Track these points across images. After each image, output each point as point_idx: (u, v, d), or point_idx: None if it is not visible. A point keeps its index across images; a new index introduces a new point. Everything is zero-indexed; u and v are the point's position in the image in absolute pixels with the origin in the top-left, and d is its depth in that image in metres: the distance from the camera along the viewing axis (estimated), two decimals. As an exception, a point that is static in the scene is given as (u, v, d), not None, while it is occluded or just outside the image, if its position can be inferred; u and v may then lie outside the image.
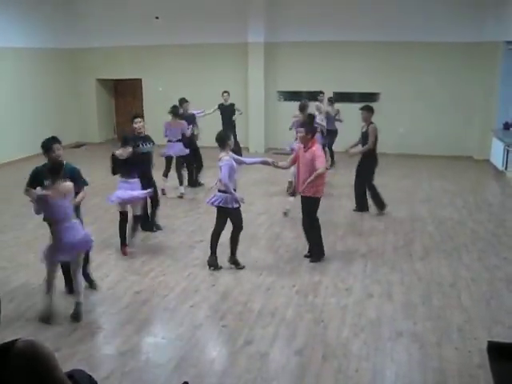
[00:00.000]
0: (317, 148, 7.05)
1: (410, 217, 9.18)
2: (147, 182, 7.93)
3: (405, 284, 6.54)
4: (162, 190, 10.19)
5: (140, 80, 16.63)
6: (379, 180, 9.47)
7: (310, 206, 7.18)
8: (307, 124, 7.56)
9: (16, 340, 2.50)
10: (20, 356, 2.44)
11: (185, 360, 5.00)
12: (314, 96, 14.14)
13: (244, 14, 14.76)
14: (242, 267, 7.05)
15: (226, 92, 13.09)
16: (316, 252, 7.31)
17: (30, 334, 5.13)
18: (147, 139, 8.27)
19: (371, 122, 9.10)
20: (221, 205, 6.75)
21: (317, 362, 4.88)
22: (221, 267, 7.02)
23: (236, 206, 6.80)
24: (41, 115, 15.11)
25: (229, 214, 6.86)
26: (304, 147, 7.13)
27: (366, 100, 14.28)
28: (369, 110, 9.18)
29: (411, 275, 6.80)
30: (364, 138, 9.19)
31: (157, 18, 15.43)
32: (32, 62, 15.05)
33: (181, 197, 10.55)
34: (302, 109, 10.70)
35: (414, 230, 8.48)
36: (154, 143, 8.39)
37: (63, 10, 16.14)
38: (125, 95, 17.73)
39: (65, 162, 5.95)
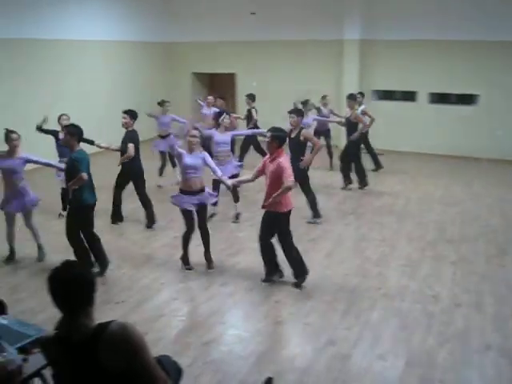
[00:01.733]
0: (284, 159, 6.19)
1: (505, 225, 8.77)
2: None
3: (496, 295, 6.27)
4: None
5: (234, 75, 16.82)
6: (473, 188, 9.06)
7: (277, 222, 6.33)
8: (275, 129, 6.46)
9: (110, 322, 2.61)
10: (114, 337, 2.55)
11: (266, 355, 5.03)
12: (409, 96, 13.94)
13: (340, 10, 14.56)
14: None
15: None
16: (299, 273, 6.51)
17: (118, 317, 5.30)
18: None
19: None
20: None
21: (399, 369, 4.77)
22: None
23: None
24: (135, 108, 15.57)
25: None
26: (270, 156, 6.37)
27: (464, 102, 13.87)
28: (351, 99, 10.72)
29: (503, 286, 6.51)
30: (349, 123, 10.69)
31: (253, 13, 15.54)
32: (131, 55, 15.71)
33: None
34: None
35: (508, 241, 8.08)
36: None
37: (162, 6, 16.65)
38: (219, 89, 17.98)
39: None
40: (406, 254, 7.50)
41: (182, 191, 6.81)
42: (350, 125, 10.65)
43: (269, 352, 5.07)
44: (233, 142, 9.39)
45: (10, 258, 7.33)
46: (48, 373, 3.13)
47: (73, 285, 2.54)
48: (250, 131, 10.92)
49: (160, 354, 3.23)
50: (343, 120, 11.27)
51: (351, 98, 10.78)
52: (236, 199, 8.84)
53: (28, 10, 12.10)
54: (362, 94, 12.76)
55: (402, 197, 10.28)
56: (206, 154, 6.93)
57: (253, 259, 7.12)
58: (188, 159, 6.71)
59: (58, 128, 8.68)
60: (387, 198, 10.17)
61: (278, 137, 6.26)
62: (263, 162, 6.42)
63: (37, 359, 3.29)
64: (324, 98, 12.74)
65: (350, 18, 14.42)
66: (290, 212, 6.29)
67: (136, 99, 14.21)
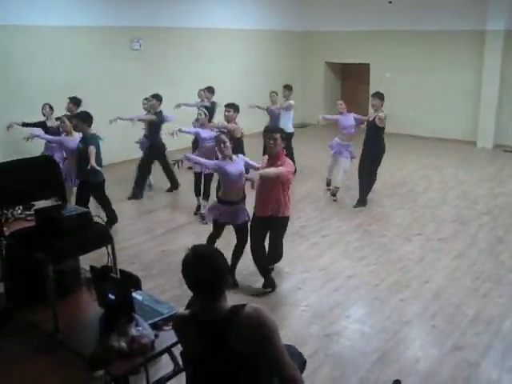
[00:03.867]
0: (287, 165, 5.72)
1: None
2: None
3: None
4: None
5: (368, 65, 16.47)
6: None
7: (285, 226, 6.14)
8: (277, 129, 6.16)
9: (244, 304, 2.66)
10: (249, 319, 2.59)
11: (389, 354, 4.91)
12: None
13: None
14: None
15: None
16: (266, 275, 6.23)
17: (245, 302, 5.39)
18: None
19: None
20: None
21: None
22: None
23: None
24: (268, 94, 15.78)
25: None
26: (270, 159, 5.83)
27: None
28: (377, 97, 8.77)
29: None
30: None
31: (390, 2, 15.08)
32: (267, 43, 15.93)
33: None
34: None
35: None
36: None
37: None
38: (352, 79, 17.76)
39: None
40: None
41: (222, 201, 6.05)
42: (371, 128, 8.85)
43: (392, 351, 4.95)
44: None
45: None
46: (177, 351, 3.24)
47: (215, 267, 2.62)
48: None
49: (285, 343, 3.23)
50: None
51: (379, 96, 8.78)
52: None
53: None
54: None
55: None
56: (242, 156, 6.33)
57: (382, 253, 7.00)
58: (232, 168, 5.95)
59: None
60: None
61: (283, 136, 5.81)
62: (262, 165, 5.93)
63: (167, 336, 3.41)
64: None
65: (496, 7, 13.49)
66: None
67: (269, 86, 14.38)
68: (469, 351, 4.96)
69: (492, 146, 14.04)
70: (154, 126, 9.53)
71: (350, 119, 9.55)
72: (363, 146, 8.90)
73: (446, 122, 14.94)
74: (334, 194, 9.47)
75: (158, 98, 9.51)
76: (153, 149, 9.62)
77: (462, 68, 14.52)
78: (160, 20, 12.59)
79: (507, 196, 9.71)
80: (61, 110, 9.25)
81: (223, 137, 6.07)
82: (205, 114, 8.51)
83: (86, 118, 7.32)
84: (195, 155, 7.52)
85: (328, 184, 10.05)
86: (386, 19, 15.31)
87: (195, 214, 8.72)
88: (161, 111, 9.54)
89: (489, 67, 13.88)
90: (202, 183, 8.61)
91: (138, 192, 9.62)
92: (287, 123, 10.71)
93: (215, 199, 6.30)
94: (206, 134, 8.34)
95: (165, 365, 4.08)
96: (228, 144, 5.96)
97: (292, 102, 10.95)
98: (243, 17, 14.86)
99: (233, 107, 8.45)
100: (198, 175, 8.63)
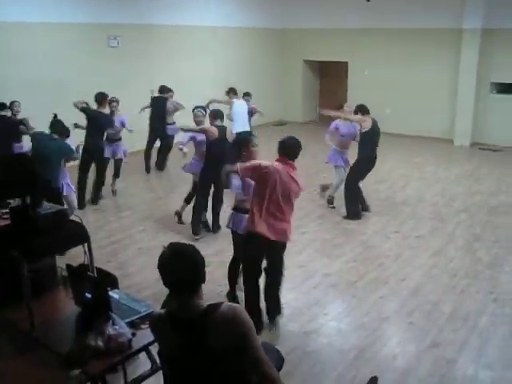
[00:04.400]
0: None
1: None
2: None
3: None
4: None
5: (346, 63, 16.54)
6: None
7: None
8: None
9: (221, 303, 2.65)
10: (225, 317, 2.59)
11: (366, 351, 4.94)
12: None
13: (460, -2, 13.88)
14: None
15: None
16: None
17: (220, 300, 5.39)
18: None
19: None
20: None
21: (509, 381, 4.54)
22: None
23: None
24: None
25: None
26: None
27: None
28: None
29: None
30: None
31: (368, 0, 15.10)
32: (245, 41, 15.86)
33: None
34: None
35: None
36: None
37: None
38: (330, 77, 17.81)
39: None
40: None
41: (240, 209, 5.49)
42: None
43: (370, 348, 4.98)
44: None
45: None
46: (155, 349, 3.23)
47: (191, 265, 2.62)
48: None
49: (263, 341, 3.23)
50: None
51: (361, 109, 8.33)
52: None
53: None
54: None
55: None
56: None
57: (361, 251, 7.04)
58: None
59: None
60: (504, 197, 9.65)
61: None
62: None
63: (145, 335, 3.40)
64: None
65: (472, 6, 13.58)
66: None
67: (247, 84, 14.35)
68: (446, 348, 5.00)
69: (469, 144, 14.18)
70: None
71: (353, 126, 8.74)
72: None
73: (423, 120, 15.06)
74: (330, 202, 9.04)
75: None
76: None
77: (440, 66, 14.65)
78: (138, 17, 12.50)
79: (484, 194, 9.81)
80: (36, 106, 9.16)
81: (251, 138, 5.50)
82: (202, 114, 7.83)
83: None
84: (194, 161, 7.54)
85: (330, 202, 9.09)
86: (365, 17, 15.37)
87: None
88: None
89: (465, 66, 14.02)
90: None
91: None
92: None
93: (232, 211, 5.57)
94: (201, 137, 7.54)
95: (143, 363, 4.05)
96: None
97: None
98: (222, 14, 14.80)
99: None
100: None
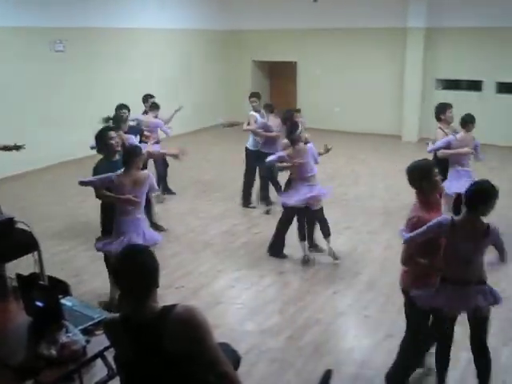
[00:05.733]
0: None
1: None
2: None
3: None
4: None
5: (295, 63, 16.68)
6: None
7: None
8: None
9: (175, 304, 2.64)
10: (180, 318, 2.58)
11: (323, 345, 5.00)
12: (474, 86, 13.56)
13: (404, -3, 14.20)
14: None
15: None
16: None
17: (177, 302, 5.35)
18: None
19: None
20: None
21: (460, 367, 4.64)
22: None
23: None
24: (196, 95, 15.72)
25: None
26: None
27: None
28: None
29: None
30: None
31: (315, 0, 15.27)
32: (188, 44, 15.69)
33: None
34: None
35: None
36: None
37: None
38: (280, 77, 17.92)
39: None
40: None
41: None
42: None
43: (326, 343, 5.04)
44: None
45: None
46: (110, 355, 3.19)
47: (143, 268, 2.59)
48: None
49: (219, 341, 3.23)
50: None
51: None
52: None
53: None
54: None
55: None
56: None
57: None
58: None
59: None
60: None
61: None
62: None
63: (99, 341, 3.35)
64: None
65: (416, 6, 13.94)
66: None
67: (196, 87, 14.36)
68: (400, 338, 5.08)
69: (417, 140, 14.48)
70: None
71: None
72: None
73: (372, 118, 15.31)
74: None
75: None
76: None
77: (386, 64, 14.94)
78: (83, 21, 12.21)
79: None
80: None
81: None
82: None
83: None
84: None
85: None
86: (312, 17, 15.50)
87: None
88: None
89: (411, 64, 14.36)
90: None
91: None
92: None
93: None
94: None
95: (100, 370, 4.00)
96: None
97: None
98: (168, 16, 14.63)
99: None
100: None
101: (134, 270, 2.57)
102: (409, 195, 9.20)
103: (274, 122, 8.59)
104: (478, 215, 3.80)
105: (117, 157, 5.66)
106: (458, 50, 13.94)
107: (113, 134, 5.69)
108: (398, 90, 14.75)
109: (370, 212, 8.69)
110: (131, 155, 5.28)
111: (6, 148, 6.79)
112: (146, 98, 9.51)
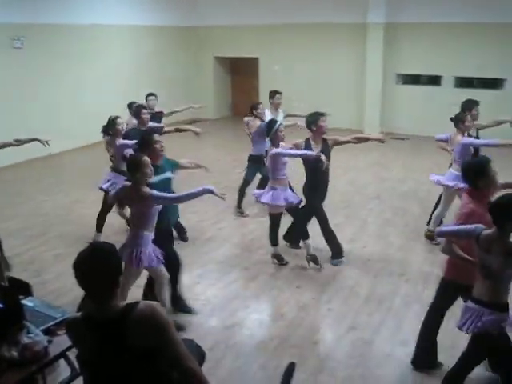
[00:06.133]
0: None
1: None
2: None
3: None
4: None
5: (257, 59, 16.71)
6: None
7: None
8: None
9: (138, 302, 2.65)
10: (143, 315, 2.58)
11: (288, 339, 5.05)
12: (434, 80, 13.78)
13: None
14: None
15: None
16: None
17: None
18: None
19: None
20: None
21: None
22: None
23: None
24: (158, 91, 15.56)
25: None
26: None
27: (490, 86, 13.63)
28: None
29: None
30: None
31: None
32: (150, 40, 15.56)
33: None
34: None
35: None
36: None
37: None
38: (241, 73, 17.93)
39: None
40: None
41: None
42: None
43: (290, 337, 5.08)
44: None
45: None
46: (73, 354, 3.17)
47: (102, 268, 2.57)
48: None
49: (183, 337, 3.24)
50: None
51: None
52: None
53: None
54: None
55: (427, 182, 10.17)
56: None
57: (282, 243, 7.16)
58: None
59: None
60: (412, 183, 10.07)
61: None
62: None
63: (62, 341, 3.33)
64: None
65: (375, 1, 14.15)
66: None
67: (158, 83, 14.19)
68: (363, 330, 5.19)
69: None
70: None
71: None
72: None
73: (334, 112, 15.27)
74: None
75: None
76: None
77: (347, 60, 15.10)
78: (43, 16, 12.00)
79: (393, 180, 10.22)
80: None
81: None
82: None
83: None
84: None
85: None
86: (273, 13, 15.54)
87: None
88: None
89: (372, 59, 14.56)
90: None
91: None
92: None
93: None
94: None
95: (64, 370, 3.97)
96: None
97: None
98: (127, 13, 14.43)
99: None
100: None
101: (97, 268, 2.56)
102: (374, 189, 9.40)
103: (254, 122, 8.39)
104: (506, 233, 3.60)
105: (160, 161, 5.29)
106: (417, 45, 14.18)
107: (157, 137, 5.22)
108: (359, 85, 14.93)
109: (333, 206, 8.74)
110: None
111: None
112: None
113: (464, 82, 14.01)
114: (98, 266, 2.56)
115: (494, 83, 13.68)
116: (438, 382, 4.11)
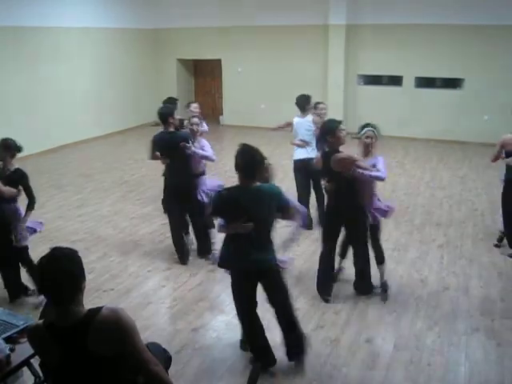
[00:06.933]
0: None
1: (492, 209, 8.77)
2: None
3: (483, 278, 6.31)
4: None
5: (219, 60, 16.71)
6: (461, 172, 9.12)
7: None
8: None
9: (101, 307, 2.62)
10: (105, 320, 2.56)
11: (255, 341, 5.04)
12: (395, 81, 13.97)
13: (325, -5, 14.48)
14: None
15: None
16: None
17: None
18: None
19: None
20: None
21: (388, 352, 4.82)
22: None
23: None
24: (120, 94, 15.48)
25: None
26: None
27: (449, 86, 13.88)
28: None
29: (490, 270, 6.55)
30: None
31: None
32: (112, 42, 15.40)
33: None
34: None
35: (496, 223, 8.09)
36: None
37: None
38: (204, 75, 17.91)
39: None
40: (394, 238, 7.55)
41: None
42: None
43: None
44: None
45: None
46: (36, 362, 3.12)
47: (63, 273, 2.54)
48: None
49: (149, 341, 3.22)
50: None
51: None
52: None
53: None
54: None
55: (389, 181, 10.28)
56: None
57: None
58: None
59: None
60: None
61: None
62: None
63: (24, 349, 3.27)
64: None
65: (336, 3, 14.28)
66: None
67: (120, 86, 14.12)
68: (330, 329, 5.23)
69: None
70: None
71: None
72: None
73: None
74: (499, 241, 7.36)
75: None
76: None
77: (311, 61, 15.19)
78: (7, 19, 11.73)
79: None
80: None
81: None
82: None
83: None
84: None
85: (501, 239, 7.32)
86: (235, 15, 15.60)
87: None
88: None
89: (333, 60, 14.72)
90: None
91: None
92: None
93: None
94: None
95: (28, 378, 3.90)
96: None
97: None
98: (90, 15, 14.29)
99: None
100: None
101: (58, 274, 2.52)
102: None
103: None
104: None
105: None
106: (378, 46, 14.37)
107: None
108: (321, 86, 15.01)
109: (297, 207, 8.79)
110: None
111: None
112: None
113: (423, 82, 14.23)
114: (59, 272, 2.52)
115: (453, 83, 13.92)
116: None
